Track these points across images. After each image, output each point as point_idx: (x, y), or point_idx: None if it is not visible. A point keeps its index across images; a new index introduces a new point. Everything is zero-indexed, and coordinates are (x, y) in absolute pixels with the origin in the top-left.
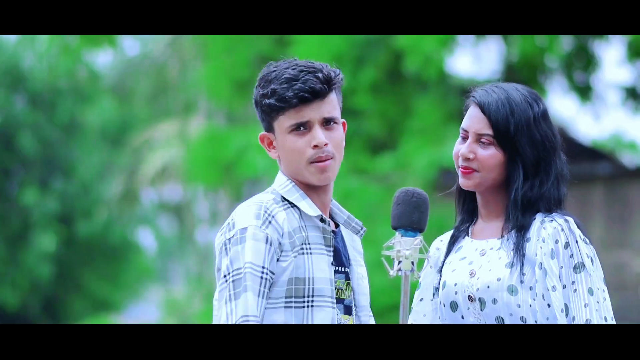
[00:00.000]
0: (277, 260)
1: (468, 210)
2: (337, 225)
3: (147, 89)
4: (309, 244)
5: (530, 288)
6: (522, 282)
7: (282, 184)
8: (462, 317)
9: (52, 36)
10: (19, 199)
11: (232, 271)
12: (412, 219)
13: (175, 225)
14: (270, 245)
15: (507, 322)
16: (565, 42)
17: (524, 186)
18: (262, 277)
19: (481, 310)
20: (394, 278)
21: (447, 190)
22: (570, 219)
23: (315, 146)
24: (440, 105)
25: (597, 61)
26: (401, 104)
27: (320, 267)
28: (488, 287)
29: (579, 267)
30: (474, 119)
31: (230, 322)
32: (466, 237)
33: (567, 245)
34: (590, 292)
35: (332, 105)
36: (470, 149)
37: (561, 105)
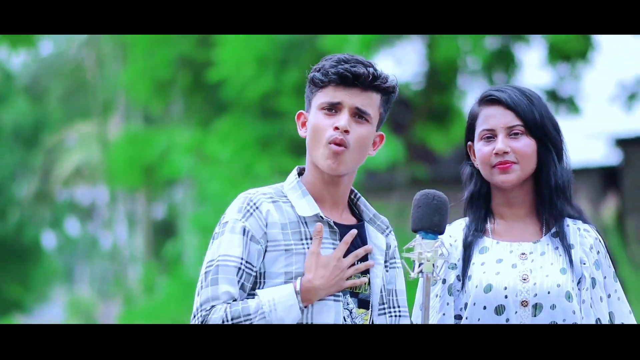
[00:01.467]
0: (265, 251)
1: (482, 213)
2: (359, 221)
3: (61, 89)
4: (310, 238)
5: (576, 295)
6: (572, 289)
7: (289, 180)
8: (507, 321)
9: None
10: None
11: (208, 263)
12: (433, 222)
13: (86, 227)
14: (247, 236)
15: None
16: (488, 43)
17: (558, 170)
18: (239, 268)
19: (534, 315)
20: (414, 279)
21: (372, 191)
22: (596, 229)
23: (336, 128)
24: None
25: (518, 63)
26: None
27: None
28: (549, 292)
29: (615, 276)
30: (498, 116)
31: (192, 314)
32: (486, 238)
33: (606, 255)
34: (627, 299)
35: (369, 101)
36: (505, 143)
37: None
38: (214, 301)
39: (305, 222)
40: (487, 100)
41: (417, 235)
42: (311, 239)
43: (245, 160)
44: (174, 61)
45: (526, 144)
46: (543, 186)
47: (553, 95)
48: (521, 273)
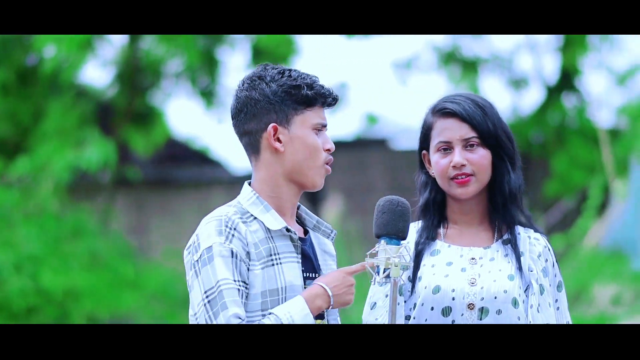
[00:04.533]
0: (248, 269)
1: (433, 222)
2: (306, 232)
3: None
4: (277, 254)
5: (523, 302)
6: (519, 295)
7: (246, 196)
8: (453, 322)
9: None
10: None
11: (206, 292)
12: (398, 227)
13: None
14: (237, 258)
15: None
16: (201, 43)
17: (511, 179)
18: (238, 289)
19: (480, 319)
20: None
21: (81, 191)
22: (547, 238)
23: (328, 150)
24: (74, 109)
25: (221, 66)
26: (33, 107)
27: (292, 274)
28: (495, 297)
29: (560, 286)
30: (454, 128)
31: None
32: (438, 241)
33: (553, 264)
34: (568, 309)
35: None
36: (462, 155)
37: (187, 109)
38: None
39: (272, 237)
40: (443, 112)
41: (381, 241)
42: (278, 253)
43: None
44: None
45: (482, 155)
46: (497, 194)
47: None
48: (469, 277)
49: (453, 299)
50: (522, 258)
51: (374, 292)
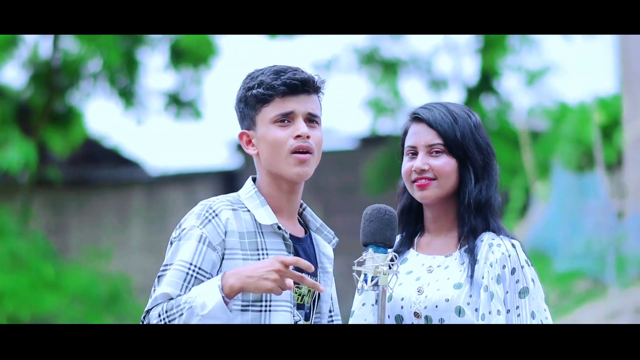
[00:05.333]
0: (222, 258)
1: (410, 229)
2: (305, 232)
3: None
4: (265, 249)
5: (476, 310)
6: (468, 303)
7: (246, 189)
8: None
9: None
10: None
11: (162, 267)
12: (386, 236)
13: None
14: (204, 243)
15: None
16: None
17: (475, 189)
18: (187, 273)
19: None
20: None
21: (2, 192)
22: (517, 243)
23: (298, 136)
24: None
25: (141, 67)
26: None
27: None
28: (436, 306)
29: (523, 292)
30: (421, 134)
31: (143, 315)
32: (411, 250)
33: (513, 271)
34: (533, 315)
35: (316, 104)
36: (424, 161)
37: (106, 110)
38: (154, 302)
39: (262, 233)
40: (414, 118)
41: (369, 249)
42: (267, 249)
43: None
44: None
45: (445, 162)
46: (459, 203)
47: (175, 99)
48: (419, 285)
49: (402, 307)
50: (476, 266)
51: (355, 300)
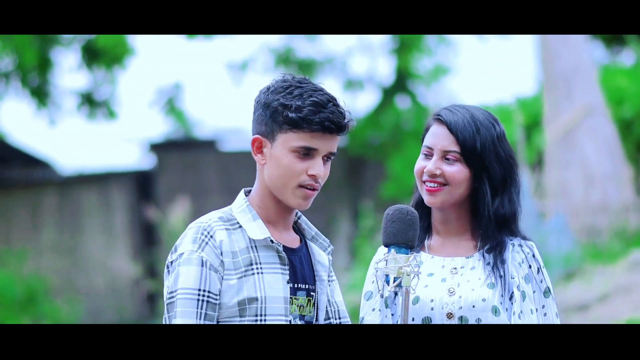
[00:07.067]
0: (223, 278)
1: (422, 227)
2: (301, 241)
3: None
4: (259, 263)
5: (506, 310)
6: (501, 303)
7: (237, 203)
8: None
9: None
10: None
11: (168, 295)
12: (408, 236)
13: None
14: (206, 266)
15: None
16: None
17: (494, 203)
18: (198, 300)
19: None
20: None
21: None
22: (533, 245)
23: (312, 175)
24: None
25: (54, 66)
26: None
27: (274, 285)
28: (473, 306)
29: (547, 292)
30: (439, 137)
31: None
32: (422, 253)
33: (538, 270)
34: (557, 315)
35: (337, 143)
36: (437, 165)
37: (17, 110)
38: None
39: (255, 247)
40: (437, 118)
41: (391, 250)
42: (260, 263)
43: None
44: None
45: (458, 170)
46: (480, 215)
47: (89, 99)
48: (448, 286)
49: (432, 309)
50: (504, 266)
51: (364, 306)
